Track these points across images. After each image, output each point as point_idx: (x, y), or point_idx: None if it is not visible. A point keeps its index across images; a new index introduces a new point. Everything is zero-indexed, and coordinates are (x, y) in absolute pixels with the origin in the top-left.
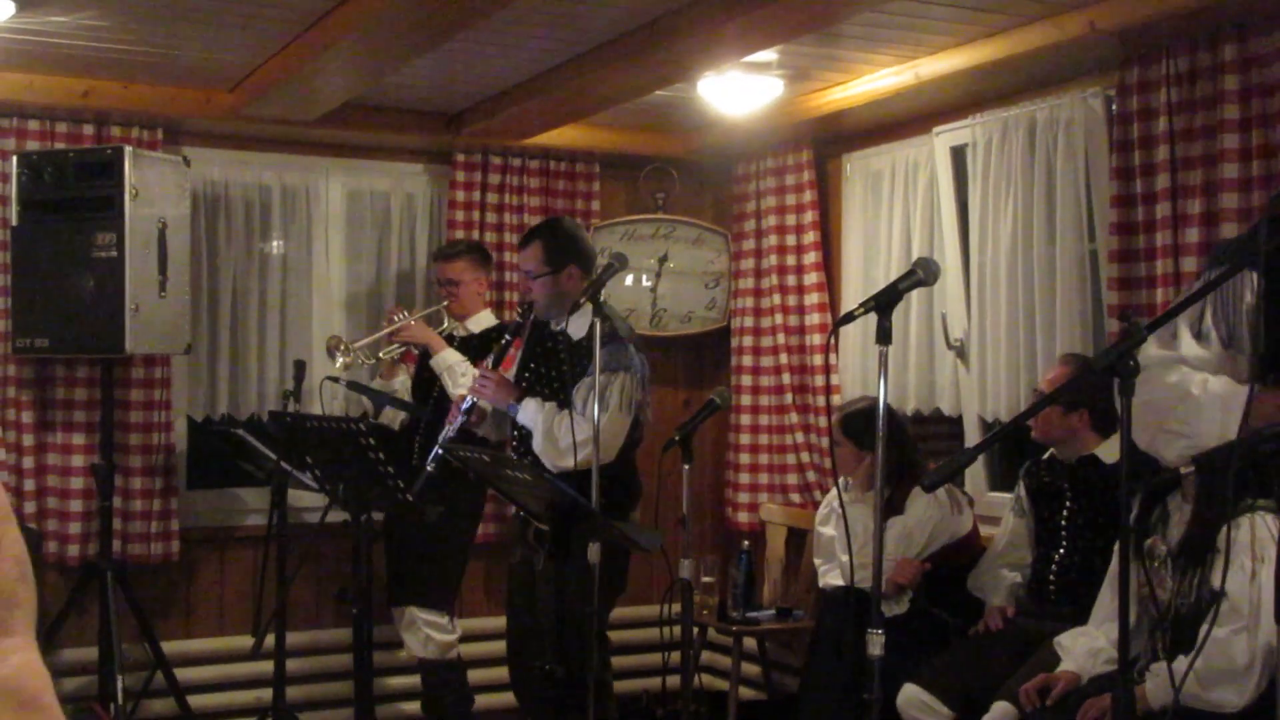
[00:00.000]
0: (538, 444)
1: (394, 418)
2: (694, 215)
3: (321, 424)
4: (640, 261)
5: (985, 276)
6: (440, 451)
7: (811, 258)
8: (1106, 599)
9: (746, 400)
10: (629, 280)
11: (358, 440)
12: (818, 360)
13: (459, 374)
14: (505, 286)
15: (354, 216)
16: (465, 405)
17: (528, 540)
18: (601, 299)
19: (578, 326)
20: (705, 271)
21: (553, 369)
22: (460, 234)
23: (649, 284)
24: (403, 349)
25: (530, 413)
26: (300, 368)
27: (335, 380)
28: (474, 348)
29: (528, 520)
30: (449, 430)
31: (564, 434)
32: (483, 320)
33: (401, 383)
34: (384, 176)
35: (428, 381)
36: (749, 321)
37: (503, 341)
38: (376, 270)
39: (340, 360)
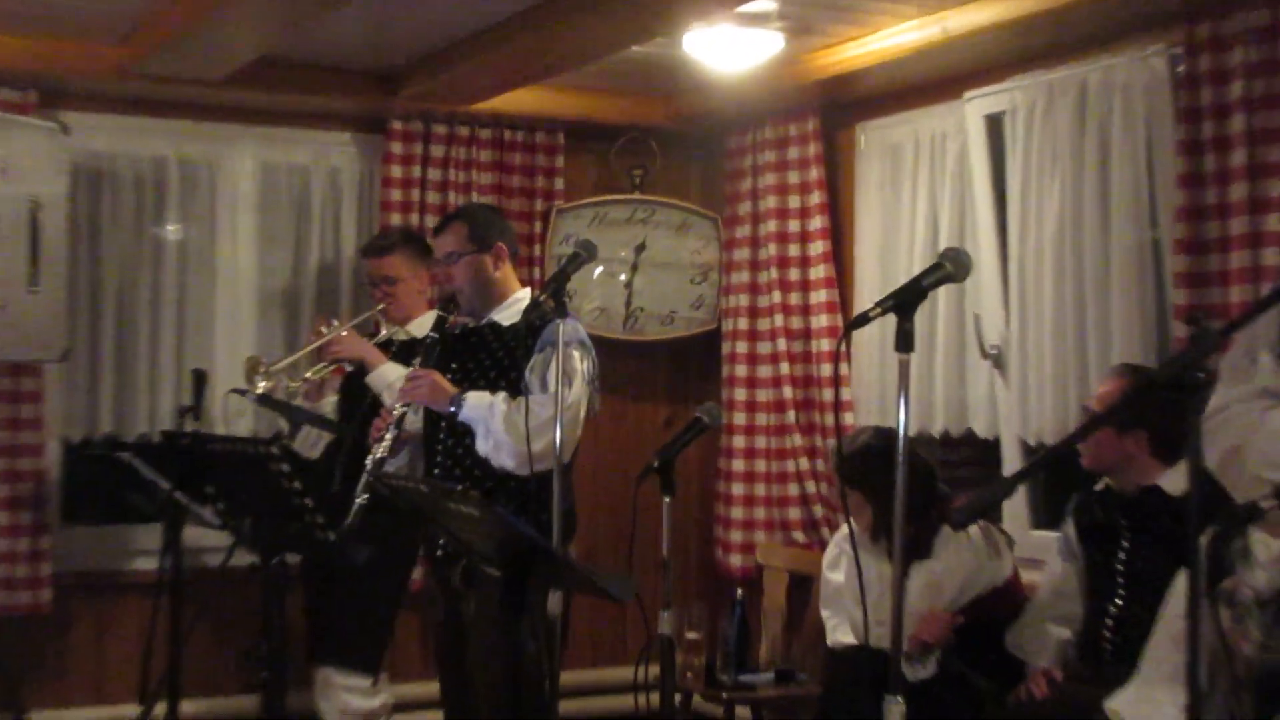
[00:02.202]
0: (492, 438)
1: (314, 440)
2: (677, 196)
3: (226, 446)
4: (612, 251)
5: (1026, 271)
6: (370, 479)
7: (818, 248)
8: (1164, 651)
9: (740, 418)
10: (597, 273)
11: (270, 466)
12: (826, 371)
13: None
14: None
15: (268, 197)
16: (395, 416)
17: (451, 585)
18: (563, 294)
19: (508, 315)
20: (691, 264)
21: (484, 360)
22: (396, 218)
23: (623, 278)
24: (332, 366)
25: (477, 404)
26: (200, 379)
27: (243, 394)
28: (417, 355)
29: (448, 559)
30: (378, 451)
31: (522, 417)
32: (426, 323)
33: (332, 404)
34: (304, 148)
35: (356, 399)
36: (744, 324)
37: (427, 340)
38: (294, 262)
39: (261, 385)
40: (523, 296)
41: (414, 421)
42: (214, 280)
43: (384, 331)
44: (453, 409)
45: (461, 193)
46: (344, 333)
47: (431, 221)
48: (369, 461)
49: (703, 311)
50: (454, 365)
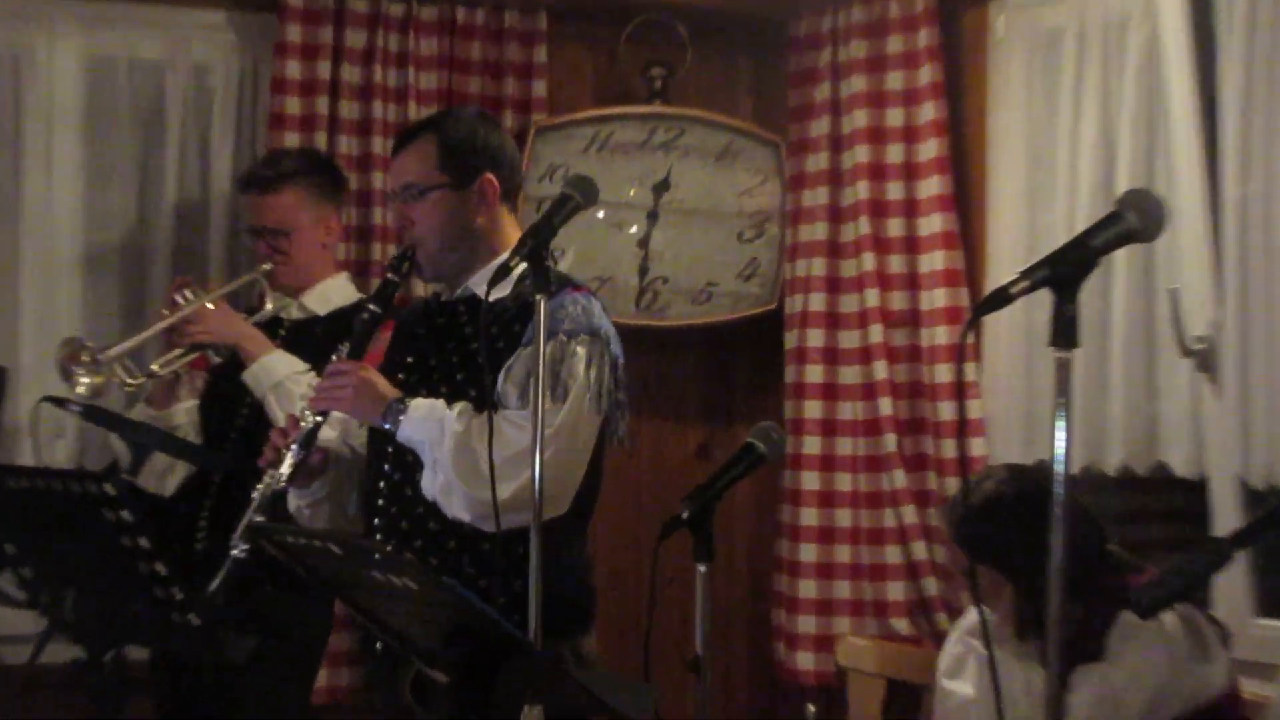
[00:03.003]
0: (441, 474)
1: (164, 469)
2: (718, 109)
3: (35, 484)
4: (619, 192)
5: (1250, 225)
6: (252, 525)
7: (933, 187)
8: None
9: (813, 446)
10: (597, 224)
11: (102, 514)
12: (943, 376)
13: (294, 391)
14: (375, 235)
15: (99, 107)
16: (301, 431)
17: (400, 701)
18: (546, 253)
19: (497, 291)
20: (738, 211)
21: (452, 353)
22: (293, 140)
23: (635, 232)
24: (191, 355)
25: (423, 419)
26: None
27: (62, 405)
28: (318, 342)
29: (395, 660)
30: (271, 480)
31: (495, 444)
32: (334, 291)
33: (187, 411)
34: (154, 36)
35: (226, 408)
36: (818, 303)
37: (363, 316)
38: (139, 205)
39: (84, 381)
40: None
41: (334, 439)
42: (16, 230)
43: (269, 305)
44: (387, 424)
45: (394, 104)
46: (209, 305)
47: (348, 146)
48: (254, 495)
49: (756, 284)
50: (408, 359)
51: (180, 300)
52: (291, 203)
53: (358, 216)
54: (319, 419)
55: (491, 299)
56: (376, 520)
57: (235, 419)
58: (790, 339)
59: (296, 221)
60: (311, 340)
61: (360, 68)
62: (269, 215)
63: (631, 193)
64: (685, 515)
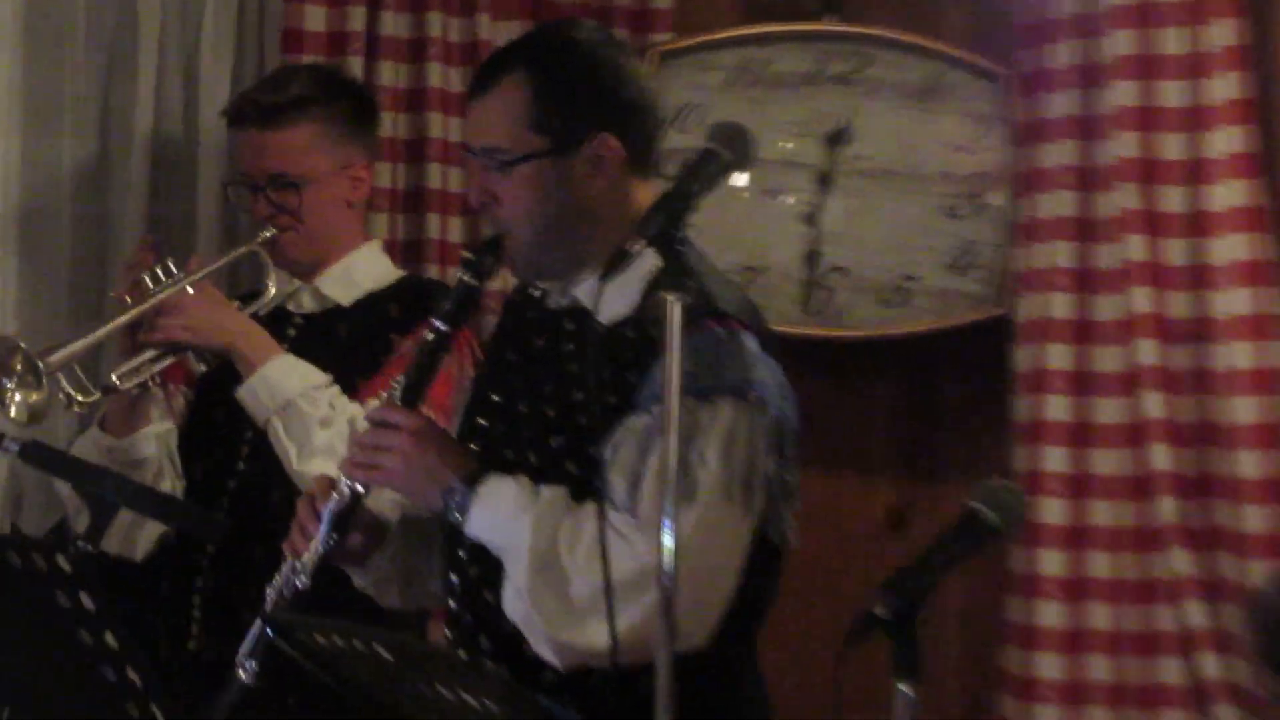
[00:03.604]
0: (520, 598)
1: (136, 526)
2: (919, 27)
3: None
4: (777, 145)
5: None
6: (270, 626)
7: (1229, 141)
8: None
9: (1054, 512)
10: (746, 188)
11: (51, 595)
12: (1246, 412)
13: (309, 415)
14: (431, 203)
15: (42, 17)
16: (334, 505)
17: None
18: (681, 236)
19: (616, 298)
20: (947, 174)
21: (551, 400)
22: (311, 60)
23: (800, 203)
24: (164, 360)
25: (496, 515)
26: None
27: None
28: (341, 344)
29: None
30: (288, 583)
31: (585, 563)
32: (362, 270)
33: (159, 439)
34: None
35: (218, 439)
36: (1063, 307)
37: (428, 336)
38: (98, 154)
39: (15, 399)
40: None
41: (387, 506)
42: None
43: (272, 289)
44: (455, 511)
45: (456, 15)
46: (189, 290)
47: (395, 76)
48: (273, 590)
49: (972, 278)
50: (494, 397)
51: (150, 282)
52: (303, 142)
53: (406, 176)
54: (359, 489)
55: (608, 312)
56: (448, 633)
57: (234, 457)
58: (1022, 358)
59: (310, 168)
60: (333, 341)
61: None
62: (271, 160)
63: (794, 146)
64: (879, 613)
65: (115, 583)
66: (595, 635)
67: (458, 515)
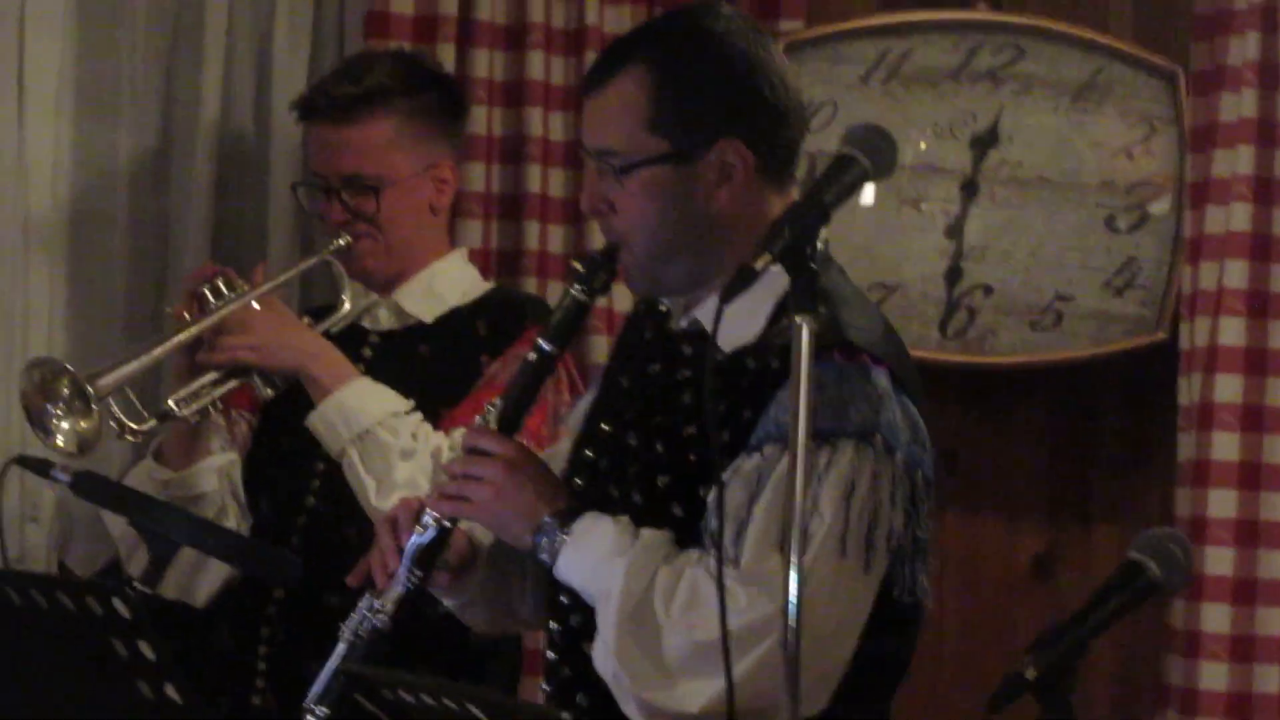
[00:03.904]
0: (610, 655)
1: (193, 568)
2: (1079, 17)
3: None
4: (917, 148)
5: None
6: (338, 676)
7: None
8: None
9: (1222, 563)
10: (881, 196)
11: (107, 643)
12: None
13: (390, 445)
14: (525, 204)
15: (90, 2)
16: (420, 538)
17: None
18: (815, 251)
19: (739, 321)
20: (1108, 182)
21: (666, 432)
22: (400, 46)
23: (942, 213)
24: (228, 385)
25: (589, 557)
26: None
27: (41, 471)
28: (424, 365)
29: None
30: (366, 622)
31: (680, 617)
32: (446, 282)
33: (220, 472)
34: None
35: (287, 471)
36: (1235, 332)
37: (531, 357)
38: (158, 151)
39: (63, 427)
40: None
41: (480, 528)
42: None
43: (346, 304)
44: (545, 552)
45: (564, 0)
46: (254, 305)
47: (491, 66)
48: (342, 635)
49: (1134, 299)
50: (604, 427)
51: (212, 297)
52: (382, 139)
53: (501, 179)
54: (445, 524)
55: (730, 337)
56: (545, 686)
57: (304, 491)
58: (1188, 389)
59: (390, 169)
60: (414, 362)
61: None
62: (347, 159)
63: (935, 149)
64: (1031, 675)
65: (173, 630)
66: (686, 698)
67: (548, 557)
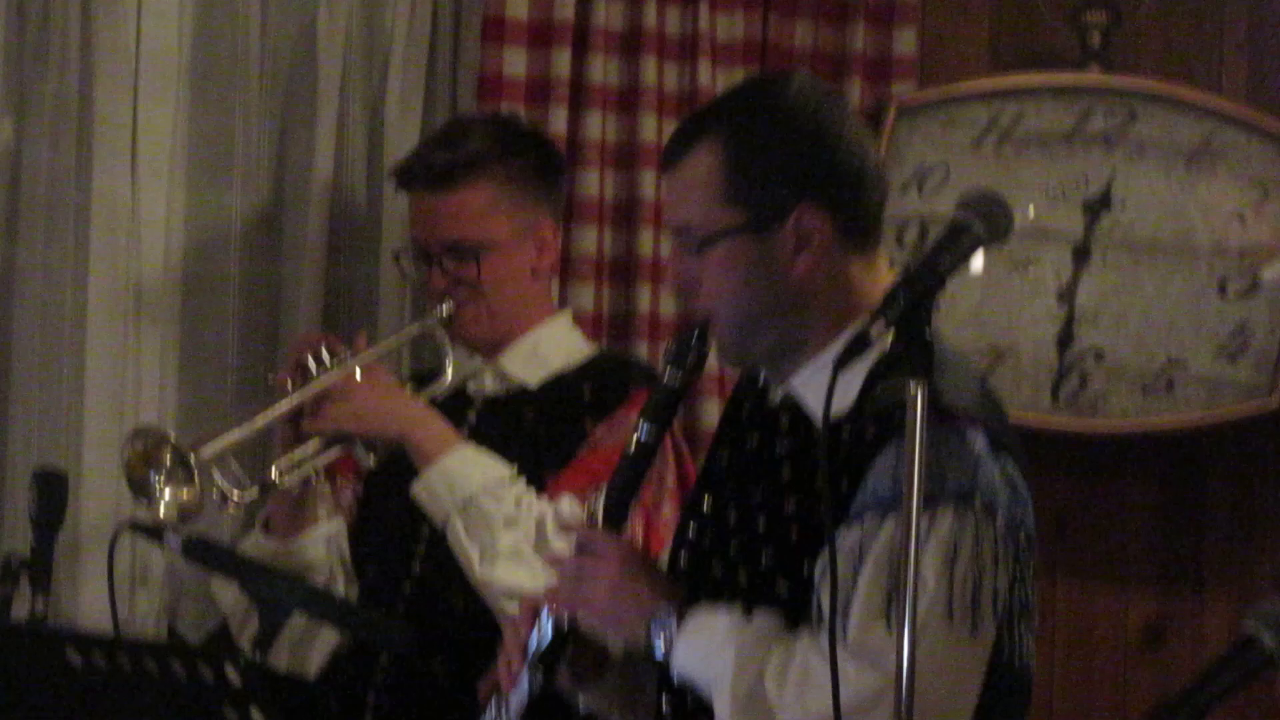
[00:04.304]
0: None
1: (307, 641)
2: (1192, 79)
3: (113, 661)
4: (1029, 211)
5: None
6: None
7: None
8: None
9: None
10: (991, 259)
11: (217, 708)
12: None
13: (494, 515)
14: (638, 268)
15: (210, 60)
16: (538, 643)
17: None
18: (929, 329)
19: (836, 390)
20: (1220, 247)
21: (767, 507)
22: (516, 111)
23: (1054, 277)
24: (331, 453)
25: (706, 648)
26: (53, 492)
27: (154, 535)
28: (529, 431)
29: None
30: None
31: (794, 699)
32: (550, 346)
33: (328, 542)
34: None
35: (392, 539)
36: None
37: (634, 441)
38: (268, 211)
39: (166, 495)
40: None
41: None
42: (83, 249)
43: (449, 371)
44: (660, 647)
45: (673, 59)
46: (356, 372)
47: (604, 127)
48: None
49: (1247, 366)
50: (706, 502)
51: (313, 366)
52: (481, 205)
53: (613, 242)
54: (563, 626)
55: (810, 394)
56: None
57: (410, 559)
58: None
59: (490, 234)
60: (519, 428)
61: (624, 3)
62: (446, 226)
63: (1047, 212)
64: None
65: (282, 700)
66: None
67: (662, 650)
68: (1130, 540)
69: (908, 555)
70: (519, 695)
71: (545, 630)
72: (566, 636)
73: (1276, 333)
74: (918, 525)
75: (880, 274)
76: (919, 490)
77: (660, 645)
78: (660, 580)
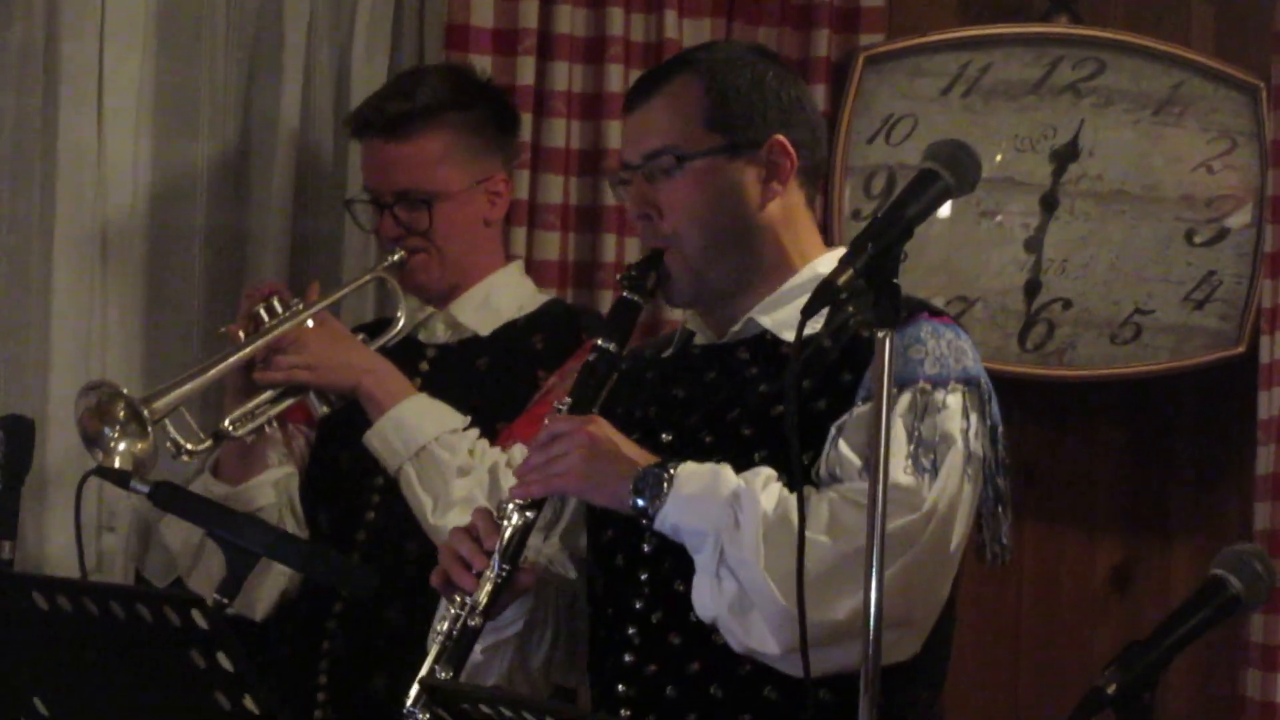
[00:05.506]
0: (732, 576)
1: (256, 584)
2: (1160, 31)
3: (80, 606)
4: (997, 161)
5: None
6: (429, 687)
7: None
8: None
9: None
10: (960, 210)
11: (185, 656)
12: None
13: (447, 462)
14: (602, 217)
15: (176, 11)
16: (506, 543)
17: None
18: (895, 270)
19: (789, 324)
20: (1187, 197)
21: (752, 419)
22: (484, 66)
23: (1021, 227)
24: (284, 403)
25: (701, 495)
26: (20, 438)
27: (121, 482)
28: (480, 379)
29: None
30: (461, 620)
31: (825, 533)
32: (501, 294)
33: (276, 486)
34: None
35: (345, 488)
36: None
37: (591, 358)
38: (241, 154)
39: (119, 448)
40: (826, 269)
41: (545, 548)
42: (49, 197)
43: (402, 319)
44: (641, 502)
45: (639, 11)
46: (309, 323)
47: (570, 79)
48: (436, 634)
49: (1214, 314)
50: (664, 437)
51: (265, 314)
52: (435, 154)
53: (579, 191)
54: (529, 515)
55: (789, 334)
56: (621, 687)
57: (363, 507)
58: (1268, 403)
59: (443, 184)
60: (470, 376)
61: None
62: (399, 174)
63: (1014, 162)
64: (1111, 690)
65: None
66: (829, 609)
67: (650, 505)
68: (1098, 486)
69: (915, 411)
70: (486, 590)
71: (510, 519)
72: (533, 523)
73: (1244, 281)
74: (916, 397)
75: (814, 226)
76: (884, 453)
77: (648, 499)
78: (634, 446)
